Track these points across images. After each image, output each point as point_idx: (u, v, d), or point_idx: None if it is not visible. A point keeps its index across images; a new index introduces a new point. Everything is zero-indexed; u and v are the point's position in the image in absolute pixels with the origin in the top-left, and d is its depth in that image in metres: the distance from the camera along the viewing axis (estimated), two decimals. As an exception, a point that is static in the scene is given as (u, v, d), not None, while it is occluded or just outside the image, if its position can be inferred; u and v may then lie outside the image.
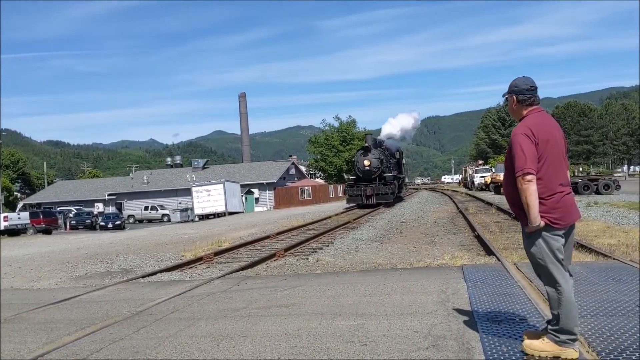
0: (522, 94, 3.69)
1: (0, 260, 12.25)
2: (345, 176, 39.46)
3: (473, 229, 13.35)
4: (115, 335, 4.96)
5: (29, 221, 32.90)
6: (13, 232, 30.66)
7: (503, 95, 3.85)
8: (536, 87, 3.70)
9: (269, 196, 56.15)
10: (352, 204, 30.41)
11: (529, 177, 3.42)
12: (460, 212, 20.17)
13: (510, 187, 3.66)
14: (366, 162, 29.88)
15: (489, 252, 9.32)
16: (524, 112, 3.70)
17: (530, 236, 3.58)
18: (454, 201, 29.65)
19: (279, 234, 16.33)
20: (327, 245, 12.54)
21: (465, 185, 58.43)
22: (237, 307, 5.86)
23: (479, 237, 11.60)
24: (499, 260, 8.05)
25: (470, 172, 54.73)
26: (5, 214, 32.38)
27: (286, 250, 11.64)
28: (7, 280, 10.26)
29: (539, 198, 3.47)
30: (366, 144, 30.94)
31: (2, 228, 30.21)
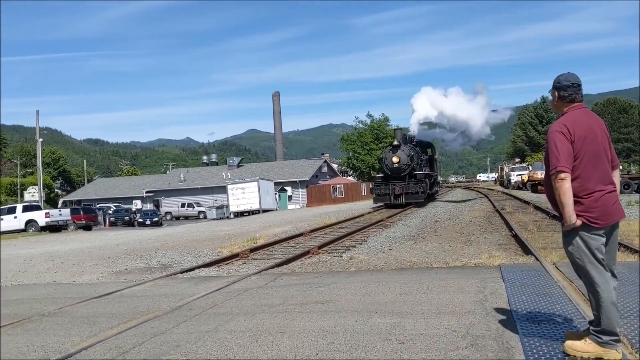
0: (564, 91, 3.63)
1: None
2: (372, 174, 38.22)
3: (510, 228, 13.14)
4: (156, 330, 5.08)
5: (70, 218, 33.76)
6: (54, 228, 31.51)
7: (549, 92, 3.80)
8: (579, 84, 3.63)
9: (301, 194, 56.39)
10: (379, 204, 28.53)
11: (562, 175, 3.38)
12: (497, 210, 19.87)
13: (549, 185, 3.62)
14: (395, 159, 27.82)
15: (527, 251, 9.17)
16: (565, 109, 3.65)
17: (568, 235, 3.53)
18: (490, 200, 29.23)
19: (312, 231, 16.40)
20: (361, 243, 12.54)
21: (502, 184, 57.56)
22: (274, 303, 5.93)
23: (516, 237, 11.42)
24: (537, 259, 7.92)
25: (507, 170, 53.86)
26: (47, 211, 33.24)
27: (320, 247, 11.69)
28: (50, 274, 10.58)
29: (576, 197, 3.42)
30: (395, 140, 28.91)
31: (44, 224, 31.06)
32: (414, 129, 33.45)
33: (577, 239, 3.48)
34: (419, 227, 15.77)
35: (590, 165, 3.47)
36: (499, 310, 4.89)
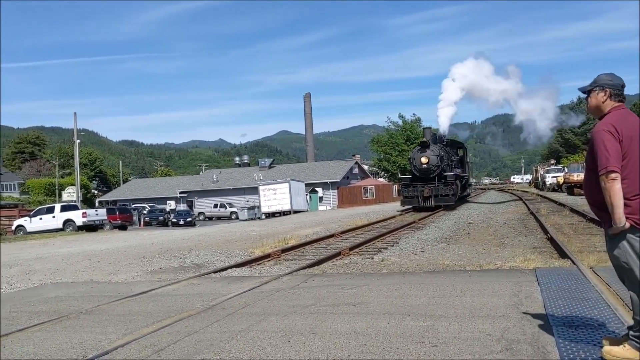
0: (617, 90, 3.55)
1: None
2: (399, 175, 37.24)
3: (545, 231, 12.89)
4: (190, 328, 5.16)
5: (106, 217, 34.50)
6: (91, 227, 32.25)
7: (585, 90, 3.69)
8: (625, 85, 3.58)
9: (332, 195, 56.42)
10: (407, 207, 27.17)
11: (613, 175, 3.28)
12: (531, 213, 19.52)
13: (590, 187, 3.53)
14: (424, 159, 26.35)
15: (563, 255, 8.99)
16: (608, 109, 3.55)
17: (614, 238, 3.42)
18: (524, 202, 28.72)
19: (343, 232, 16.39)
20: (392, 245, 12.48)
21: (536, 186, 56.52)
22: (305, 304, 5.95)
23: (552, 240, 11.19)
24: (574, 263, 7.75)
25: (542, 172, 52.86)
26: (84, 211, 34.02)
27: (351, 249, 11.67)
28: (87, 273, 10.83)
29: (624, 198, 3.32)
30: (424, 139, 27.42)
31: (81, 224, 31.80)
32: (444, 128, 30.90)
33: (624, 242, 3.38)
34: (451, 230, 15.60)
35: (638, 166, 3.38)
36: (534, 314, 4.81)
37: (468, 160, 35.85)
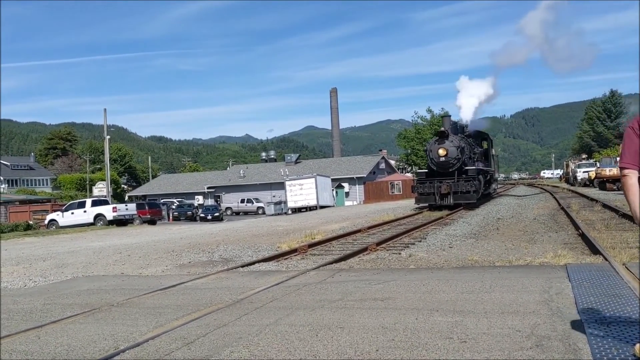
0: None
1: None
2: (412, 169, 35.62)
3: (577, 227, 12.65)
4: (219, 322, 5.22)
5: (135, 212, 35.08)
6: (121, 222, 32.83)
7: None
8: None
9: (359, 190, 56.31)
10: (422, 205, 24.23)
11: (624, 171, 3.32)
12: (562, 208, 19.17)
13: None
14: (441, 152, 23.42)
15: (594, 251, 8.81)
16: None
17: None
18: (554, 197, 28.23)
19: (369, 228, 16.34)
20: (420, 241, 12.40)
21: (567, 181, 55.55)
22: (333, 299, 5.96)
23: (583, 235, 10.98)
24: (606, 259, 7.60)
25: (573, 167, 51.91)
26: (115, 205, 34.66)
27: (378, 244, 11.63)
28: (118, 266, 11.03)
29: None
30: (442, 129, 24.26)
31: (112, 218, 32.40)
32: (467, 117, 28.16)
33: None
34: (480, 225, 15.43)
35: None
36: (565, 311, 4.74)
37: (493, 153, 32.79)
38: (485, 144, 30.35)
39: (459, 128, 26.28)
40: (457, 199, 22.53)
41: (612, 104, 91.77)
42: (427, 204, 23.47)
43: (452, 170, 23.41)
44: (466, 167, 23.69)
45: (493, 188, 33.14)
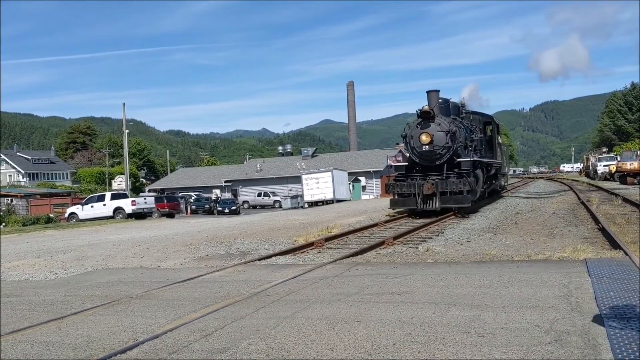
0: None
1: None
2: (389, 162, 28.70)
3: (597, 221, 12.49)
4: (237, 314, 5.25)
5: (154, 205, 35.38)
6: (140, 215, 33.14)
7: None
8: None
9: (375, 184, 56.17)
10: (399, 209, 18.86)
11: None
12: (582, 202, 18.94)
13: None
14: (424, 138, 17.72)
15: (615, 245, 8.70)
16: None
17: None
18: (574, 191, 27.89)
19: (386, 222, 16.29)
20: (437, 235, 12.34)
21: (587, 175, 54.86)
22: (349, 292, 5.96)
23: (603, 230, 10.85)
24: (626, 254, 7.50)
25: (593, 161, 51.24)
26: (133, 199, 35.01)
27: (395, 238, 11.60)
28: (137, 259, 11.14)
29: None
30: (426, 107, 18.03)
31: (130, 211, 32.73)
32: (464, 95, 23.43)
33: None
34: (498, 219, 15.31)
35: None
36: (584, 306, 4.68)
37: (499, 140, 26.28)
38: (489, 130, 24.31)
39: (452, 108, 20.33)
40: (445, 202, 17.04)
41: (633, 97, 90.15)
42: (404, 209, 18.46)
43: (439, 163, 18.02)
44: (459, 159, 18.21)
45: (500, 185, 27.30)
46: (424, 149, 17.94)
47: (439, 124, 17.92)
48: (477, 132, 21.45)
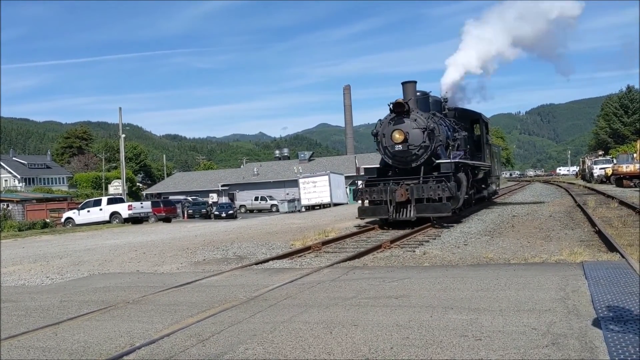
0: None
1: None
2: (358, 165, 25.14)
3: (593, 224, 12.52)
4: (234, 319, 5.24)
5: (150, 210, 35.33)
6: (136, 220, 33.07)
7: None
8: None
9: (373, 188, 56.14)
10: (369, 220, 16.68)
11: None
12: (578, 205, 18.98)
13: None
14: (397, 136, 15.34)
15: (611, 248, 8.72)
16: None
17: None
18: (570, 194, 27.95)
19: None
20: (434, 238, 12.35)
21: (583, 178, 55.01)
22: (347, 296, 5.96)
23: (600, 233, 10.87)
24: (623, 257, 7.52)
25: (589, 164, 51.37)
26: (130, 203, 34.92)
27: (392, 242, 11.59)
28: (134, 264, 11.11)
29: None
30: (400, 100, 15.52)
31: (127, 216, 32.65)
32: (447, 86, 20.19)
33: None
34: (495, 223, 15.33)
35: None
36: (581, 309, 4.69)
37: (489, 140, 23.06)
38: (477, 128, 21.48)
39: (432, 103, 17.53)
40: (422, 211, 14.62)
41: (628, 100, 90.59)
42: (375, 218, 16.00)
43: (415, 165, 15.59)
44: (438, 161, 15.61)
45: (491, 190, 24.26)
46: (397, 149, 15.53)
47: (415, 120, 15.47)
48: (461, 130, 18.81)
